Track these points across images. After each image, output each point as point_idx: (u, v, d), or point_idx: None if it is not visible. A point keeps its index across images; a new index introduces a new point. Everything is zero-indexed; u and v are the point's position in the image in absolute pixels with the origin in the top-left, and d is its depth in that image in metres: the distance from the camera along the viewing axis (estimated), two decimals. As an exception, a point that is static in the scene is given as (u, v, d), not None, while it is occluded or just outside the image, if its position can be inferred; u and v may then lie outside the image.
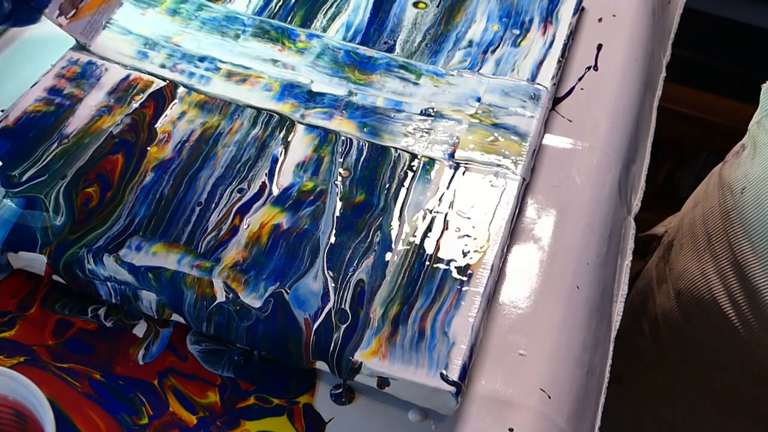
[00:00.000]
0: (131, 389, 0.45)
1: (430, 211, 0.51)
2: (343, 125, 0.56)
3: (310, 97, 0.57)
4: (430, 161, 0.54)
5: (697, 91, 1.44)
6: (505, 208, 0.51)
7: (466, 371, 0.44)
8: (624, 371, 0.76)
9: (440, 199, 0.52)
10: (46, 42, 0.62)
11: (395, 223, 0.50)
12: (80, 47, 0.58)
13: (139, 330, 0.48)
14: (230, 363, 0.47)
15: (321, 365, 0.45)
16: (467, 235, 0.50)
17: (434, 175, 0.53)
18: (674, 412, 0.73)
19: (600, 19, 0.69)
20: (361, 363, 0.44)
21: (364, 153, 0.54)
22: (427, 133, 0.55)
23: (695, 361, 0.67)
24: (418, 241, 0.49)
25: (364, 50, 0.61)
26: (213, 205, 0.50)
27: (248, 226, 0.50)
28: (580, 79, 0.64)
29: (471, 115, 0.57)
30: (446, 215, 0.51)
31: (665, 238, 0.71)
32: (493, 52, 0.62)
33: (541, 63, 0.61)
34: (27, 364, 0.46)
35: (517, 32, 0.64)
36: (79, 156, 0.52)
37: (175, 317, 0.46)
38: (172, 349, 0.47)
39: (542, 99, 0.58)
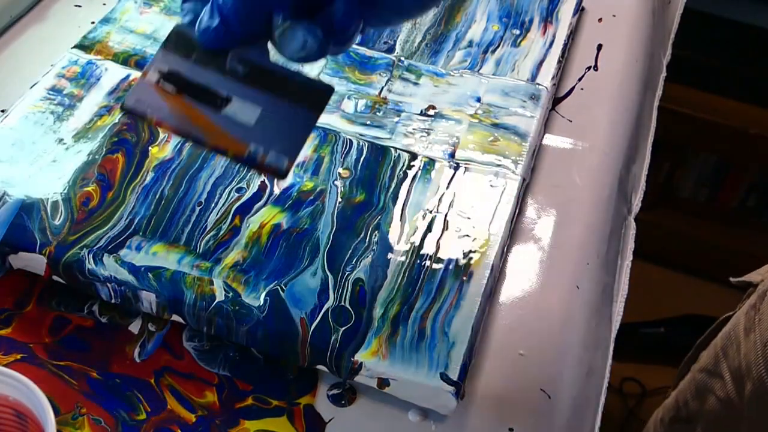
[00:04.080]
0: (128, 387, 0.45)
1: (430, 211, 0.51)
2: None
3: (310, 97, 0.57)
4: (430, 161, 0.54)
5: (697, 91, 1.44)
6: (505, 208, 0.51)
7: (466, 371, 0.44)
8: (695, 414, 0.75)
9: (440, 199, 0.52)
10: (46, 42, 0.62)
11: (395, 223, 0.50)
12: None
13: (135, 327, 0.48)
14: (226, 360, 0.47)
15: (320, 366, 0.45)
16: (467, 235, 0.50)
17: (434, 175, 0.53)
18: None
19: (600, 19, 0.69)
20: (361, 363, 0.44)
21: (364, 153, 0.54)
22: (427, 133, 0.55)
23: None
24: (418, 241, 0.49)
25: (363, 50, 0.61)
26: (213, 205, 0.50)
27: (248, 226, 0.49)
28: (580, 79, 0.64)
29: (471, 115, 0.57)
30: (446, 215, 0.51)
31: (761, 286, 0.69)
32: (493, 52, 0.62)
33: (541, 63, 0.61)
34: (24, 362, 0.45)
35: (517, 32, 0.64)
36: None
37: (176, 317, 0.46)
38: (168, 346, 0.47)
39: (542, 99, 0.58)
